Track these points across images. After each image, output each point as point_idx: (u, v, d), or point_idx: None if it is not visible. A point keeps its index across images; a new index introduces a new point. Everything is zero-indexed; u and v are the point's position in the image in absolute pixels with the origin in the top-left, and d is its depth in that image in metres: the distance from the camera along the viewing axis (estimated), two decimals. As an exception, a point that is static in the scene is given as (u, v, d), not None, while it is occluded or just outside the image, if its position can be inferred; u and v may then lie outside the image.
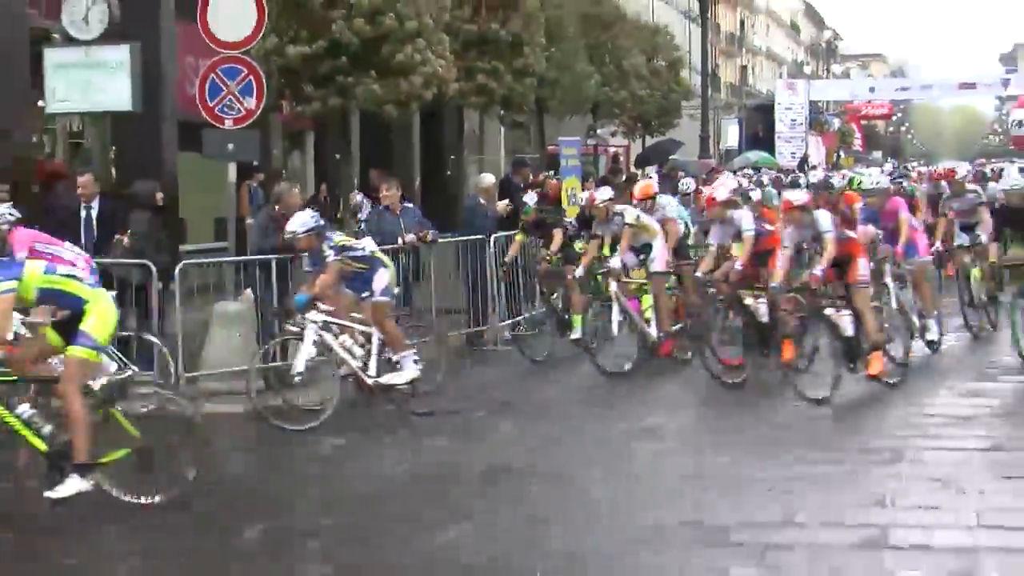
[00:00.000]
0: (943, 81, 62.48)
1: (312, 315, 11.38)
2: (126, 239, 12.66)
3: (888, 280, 13.34)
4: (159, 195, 15.26)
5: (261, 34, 15.56)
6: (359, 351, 11.62)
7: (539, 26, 26.69)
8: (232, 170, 15.29)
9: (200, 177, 18.01)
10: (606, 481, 9.30)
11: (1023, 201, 13.29)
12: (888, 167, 27.95)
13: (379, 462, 10.27)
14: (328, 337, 11.47)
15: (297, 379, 11.37)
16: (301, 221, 11.80)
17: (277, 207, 14.22)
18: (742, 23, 78.29)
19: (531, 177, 24.73)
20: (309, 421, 11.12)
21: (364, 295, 11.93)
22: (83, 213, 13.71)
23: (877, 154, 52.99)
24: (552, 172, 27.38)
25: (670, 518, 8.21)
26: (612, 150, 43.26)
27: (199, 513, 8.65)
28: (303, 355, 11.34)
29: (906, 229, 13.55)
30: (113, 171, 16.53)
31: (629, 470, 9.72)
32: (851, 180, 19.34)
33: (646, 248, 13.94)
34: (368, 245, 12.29)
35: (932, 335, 13.76)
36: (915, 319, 13.59)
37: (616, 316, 13.56)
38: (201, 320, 12.75)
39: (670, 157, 39.26)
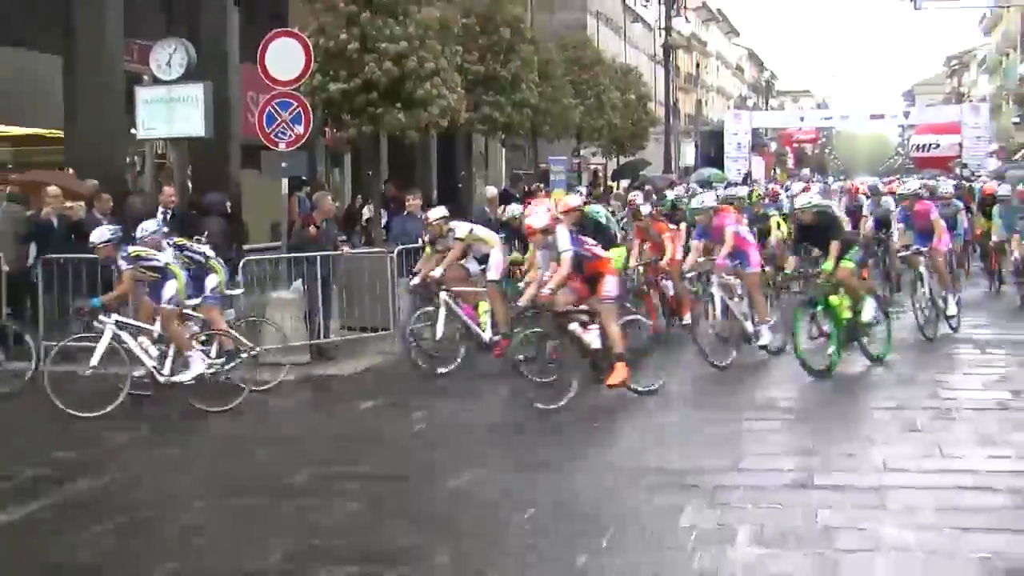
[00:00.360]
0: (858, 112, 62.77)
1: (110, 317, 10.32)
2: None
3: (714, 290, 12.08)
4: (228, 204, 15.38)
5: (308, 74, 15.59)
6: (154, 351, 10.42)
7: (533, 67, 26.70)
8: (284, 184, 15.29)
9: (259, 189, 18.03)
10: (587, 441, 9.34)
11: (814, 218, 11.98)
12: (818, 184, 27.98)
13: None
14: (126, 336, 10.37)
15: (89, 372, 10.15)
16: (99, 233, 10.76)
17: (314, 211, 14.31)
18: (697, 65, 78.19)
19: (526, 189, 24.80)
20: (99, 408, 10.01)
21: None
22: (159, 218, 13.83)
23: (806, 171, 52.86)
24: (543, 184, 27.54)
25: (636, 466, 8.26)
26: (592, 167, 43.23)
27: (259, 462, 8.74)
28: (97, 352, 10.16)
29: (730, 242, 12.21)
30: (190, 185, 16.56)
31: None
32: (672, 202, 18.75)
33: (485, 258, 12.75)
34: (165, 257, 10.84)
35: (764, 340, 12.22)
36: (749, 326, 12.26)
37: (441, 321, 12.11)
38: (261, 305, 12.77)
39: (640, 173, 39.26)
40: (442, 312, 12.24)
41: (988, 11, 70.62)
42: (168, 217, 13.88)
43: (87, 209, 13.81)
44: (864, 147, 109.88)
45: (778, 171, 61.37)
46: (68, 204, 13.75)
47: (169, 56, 15.23)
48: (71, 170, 15.94)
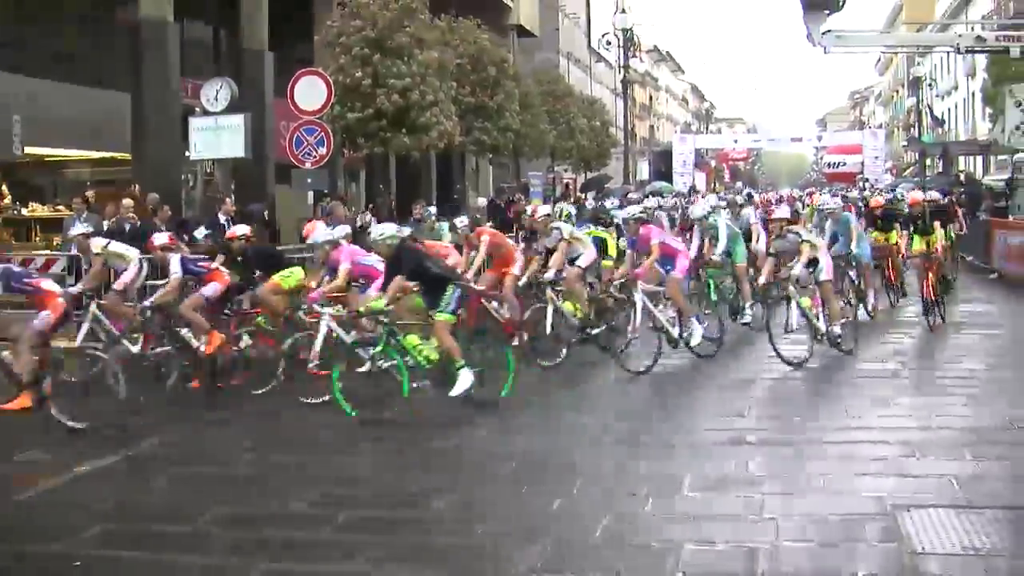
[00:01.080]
0: (780, 136, 62.88)
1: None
2: None
3: (636, 297, 10.28)
4: (265, 212, 15.37)
5: (329, 105, 15.59)
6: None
7: (515, 99, 26.71)
8: (310, 196, 15.31)
9: (290, 200, 18.03)
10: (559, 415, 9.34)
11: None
12: (746, 192, 28.03)
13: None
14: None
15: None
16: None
17: (329, 216, 14.36)
18: (650, 97, 78.15)
19: (509, 199, 24.79)
20: None
21: None
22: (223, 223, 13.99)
23: (739, 184, 52.99)
24: (523, 195, 27.53)
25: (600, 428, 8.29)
26: (565, 181, 43.20)
27: (290, 424, 8.72)
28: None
29: (655, 253, 10.56)
30: (233, 197, 16.57)
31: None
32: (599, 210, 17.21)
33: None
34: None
35: (696, 338, 10.59)
36: (675, 328, 10.54)
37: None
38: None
39: (604, 185, 39.23)
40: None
41: (881, 56, 71.12)
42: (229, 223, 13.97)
43: (150, 218, 13.83)
44: (786, 164, 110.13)
45: (716, 184, 61.35)
46: (131, 214, 13.79)
47: (216, 92, 15.24)
48: (137, 187, 15.92)
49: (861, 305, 12.73)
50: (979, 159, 42.56)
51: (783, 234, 10.78)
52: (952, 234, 16.37)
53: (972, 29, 20.01)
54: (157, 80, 16.43)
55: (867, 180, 41.23)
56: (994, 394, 8.90)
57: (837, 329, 10.49)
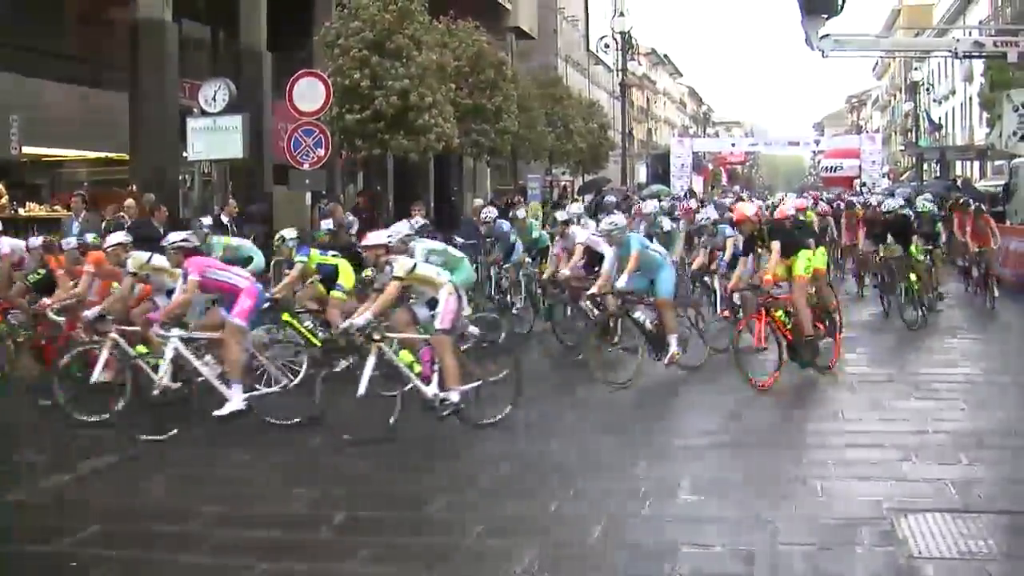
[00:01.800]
0: (778, 139, 63.00)
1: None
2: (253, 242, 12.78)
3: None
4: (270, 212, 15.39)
5: (328, 106, 15.59)
6: None
7: (513, 101, 26.69)
8: (308, 197, 15.32)
9: (288, 201, 18.04)
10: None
11: None
12: (744, 194, 28.01)
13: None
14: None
15: None
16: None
17: (327, 218, 14.36)
18: (648, 100, 78.22)
19: (508, 201, 24.80)
20: None
21: None
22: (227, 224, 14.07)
23: (737, 187, 53.09)
24: (522, 198, 27.54)
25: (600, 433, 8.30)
26: (562, 183, 43.21)
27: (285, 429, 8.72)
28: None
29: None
30: (232, 199, 16.60)
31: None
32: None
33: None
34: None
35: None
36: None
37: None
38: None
39: (602, 188, 39.22)
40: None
41: (879, 60, 71.33)
42: (231, 224, 14.08)
43: (148, 218, 13.84)
44: (783, 168, 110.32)
45: (712, 187, 61.41)
46: (121, 213, 13.86)
47: (214, 92, 15.25)
48: (134, 187, 15.92)
49: None
50: (976, 164, 42.67)
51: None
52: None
53: (970, 34, 20.08)
54: (155, 80, 16.42)
55: (864, 184, 41.39)
56: (989, 399, 8.92)
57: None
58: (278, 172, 18.32)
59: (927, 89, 54.17)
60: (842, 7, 15.93)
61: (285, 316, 9.82)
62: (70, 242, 10.56)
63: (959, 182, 32.90)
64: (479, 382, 8.18)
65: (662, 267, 10.06)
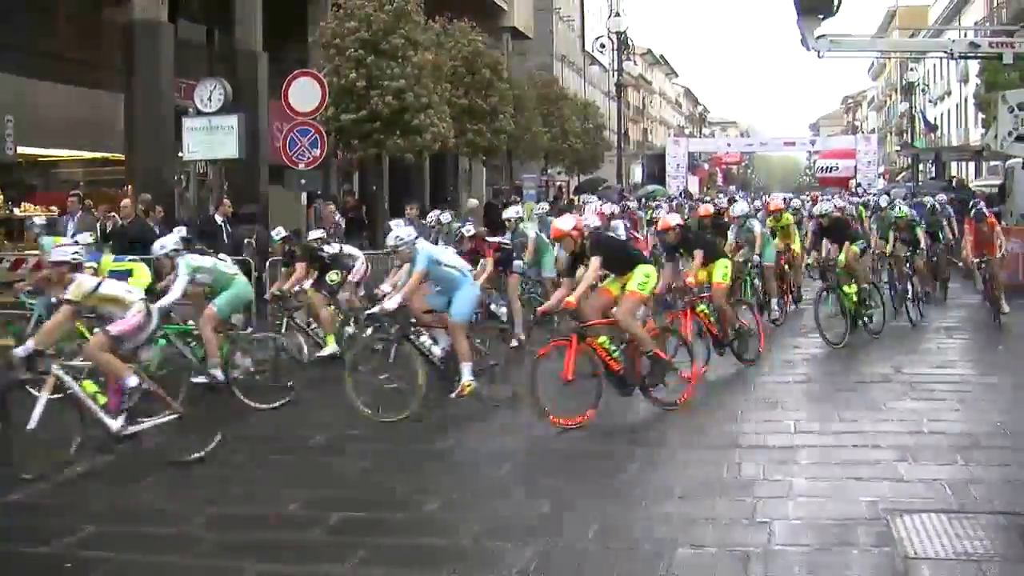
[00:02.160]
0: (773, 140, 63.07)
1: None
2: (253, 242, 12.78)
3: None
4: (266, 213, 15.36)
5: (323, 106, 15.57)
6: None
7: (509, 101, 26.73)
8: (303, 197, 15.29)
9: (283, 201, 18.03)
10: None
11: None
12: (740, 196, 27.98)
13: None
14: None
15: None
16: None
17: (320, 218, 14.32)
18: (644, 100, 78.30)
19: (504, 201, 24.80)
20: None
21: None
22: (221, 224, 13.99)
23: (732, 187, 53.22)
24: (517, 197, 27.53)
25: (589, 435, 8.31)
26: (558, 183, 43.24)
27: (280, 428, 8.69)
28: None
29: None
30: (226, 198, 16.57)
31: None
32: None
33: None
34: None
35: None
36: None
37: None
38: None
39: (599, 188, 39.25)
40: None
41: (875, 61, 71.44)
42: (227, 226, 14.08)
43: (143, 217, 13.81)
44: (779, 168, 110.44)
45: (707, 187, 61.49)
46: (112, 213, 13.86)
47: (210, 92, 15.21)
48: (130, 187, 15.90)
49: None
50: (971, 164, 42.73)
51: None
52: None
53: (965, 35, 20.09)
54: (150, 80, 16.41)
55: (859, 184, 41.45)
56: (985, 399, 8.91)
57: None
58: (274, 172, 18.31)
59: (923, 90, 54.26)
60: (838, 7, 15.93)
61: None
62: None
63: (954, 182, 32.96)
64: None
65: (461, 285, 8.79)
